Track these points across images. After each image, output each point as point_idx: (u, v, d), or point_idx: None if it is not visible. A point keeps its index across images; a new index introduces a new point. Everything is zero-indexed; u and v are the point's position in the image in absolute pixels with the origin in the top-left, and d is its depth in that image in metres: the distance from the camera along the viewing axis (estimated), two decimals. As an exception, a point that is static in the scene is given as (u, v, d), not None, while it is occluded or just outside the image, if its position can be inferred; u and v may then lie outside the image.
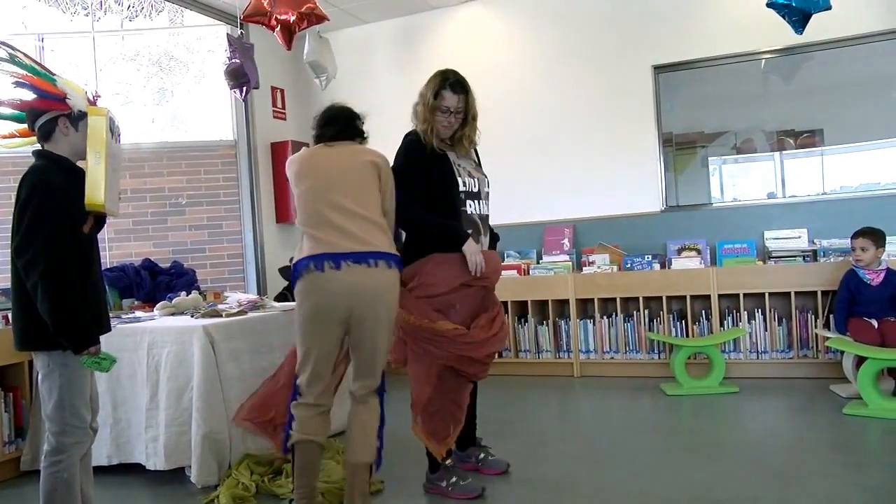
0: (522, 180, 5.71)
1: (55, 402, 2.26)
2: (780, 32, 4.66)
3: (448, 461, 2.99)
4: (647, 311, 5.06)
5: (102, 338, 2.32)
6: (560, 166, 5.68)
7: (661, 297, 5.00)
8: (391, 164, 2.90)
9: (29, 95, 2.32)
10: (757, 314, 4.81)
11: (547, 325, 5.32)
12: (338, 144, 2.72)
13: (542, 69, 5.77)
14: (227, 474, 3.17)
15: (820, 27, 4.43)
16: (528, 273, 5.44)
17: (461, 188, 2.94)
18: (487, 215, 3.08)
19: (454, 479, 2.91)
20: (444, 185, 2.90)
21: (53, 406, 2.27)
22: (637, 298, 5.07)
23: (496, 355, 3.06)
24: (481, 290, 2.93)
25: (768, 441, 3.46)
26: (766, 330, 4.80)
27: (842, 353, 4.21)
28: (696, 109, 5.53)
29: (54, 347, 2.24)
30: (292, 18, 4.69)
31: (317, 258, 2.50)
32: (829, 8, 4.04)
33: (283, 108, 6.38)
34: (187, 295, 4.06)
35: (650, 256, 5.12)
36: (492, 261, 2.94)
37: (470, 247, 2.81)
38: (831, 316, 4.48)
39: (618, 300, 5.12)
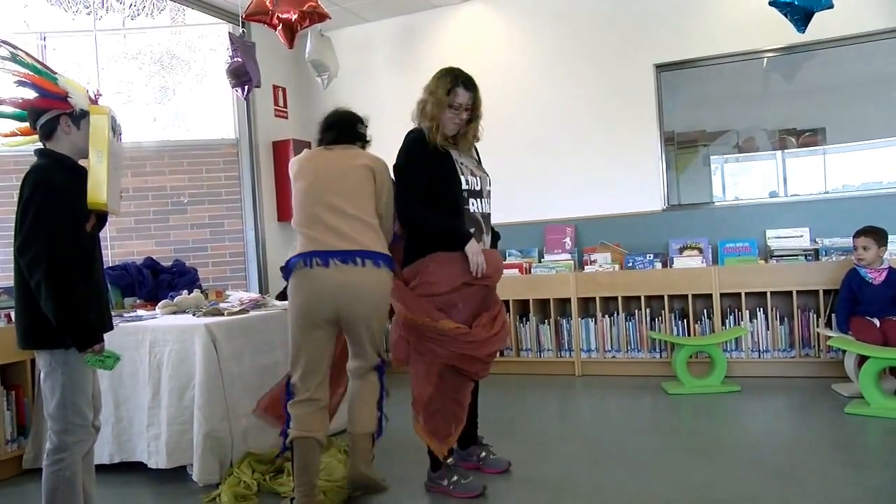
0: (524, 179, 5.71)
1: (57, 400, 2.27)
2: (782, 31, 4.65)
3: (449, 460, 3.00)
4: (648, 310, 5.05)
5: (104, 336, 2.33)
6: (562, 165, 5.68)
7: (662, 296, 5.00)
8: (394, 161, 2.91)
9: (30, 94, 2.32)
10: (759, 313, 4.80)
11: (548, 323, 5.32)
12: (337, 148, 2.82)
13: (543, 68, 5.77)
14: (228, 473, 3.18)
15: (822, 26, 4.42)
16: (530, 272, 5.44)
17: (464, 186, 2.94)
18: (489, 214, 3.08)
19: (455, 478, 2.92)
20: (448, 182, 2.90)
21: (56, 405, 2.27)
22: (639, 297, 5.07)
23: (497, 354, 3.06)
24: (483, 289, 2.93)
25: (769, 440, 3.45)
26: (767, 329, 4.79)
27: (843, 352, 4.21)
28: (697, 108, 5.52)
29: (57, 346, 2.25)
30: (294, 17, 4.70)
31: (307, 255, 2.61)
32: (832, 6, 4.04)
33: (285, 106, 6.38)
34: (189, 293, 4.06)
35: (652, 255, 5.12)
36: (493, 260, 2.94)
37: (472, 247, 2.81)
38: (833, 315, 4.47)
39: (619, 299, 5.12)
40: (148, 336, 3.40)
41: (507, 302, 4.97)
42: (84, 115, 2.32)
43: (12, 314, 3.50)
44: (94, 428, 2.40)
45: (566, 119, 5.68)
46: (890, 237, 4.33)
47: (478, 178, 3.02)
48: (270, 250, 5.97)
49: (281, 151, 6.14)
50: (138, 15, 5.26)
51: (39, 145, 2.36)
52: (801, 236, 4.96)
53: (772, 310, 4.77)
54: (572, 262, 5.42)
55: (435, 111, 2.89)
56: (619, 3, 5.49)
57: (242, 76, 5.16)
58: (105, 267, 2.57)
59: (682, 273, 4.95)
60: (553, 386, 4.95)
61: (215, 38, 6.01)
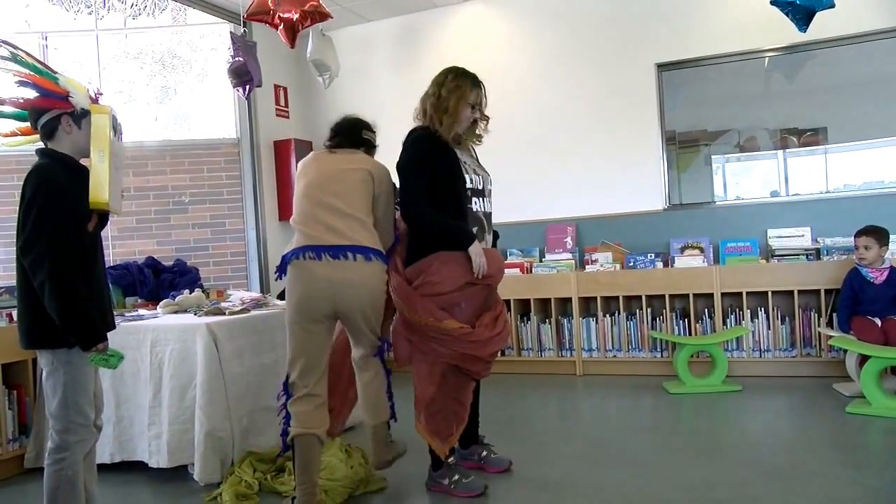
0: (525, 179, 5.71)
1: (59, 399, 2.27)
2: (783, 31, 4.65)
3: (451, 459, 3.00)
4: (649, 310, 5.05)
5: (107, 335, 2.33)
6: (563, 164, 5.68)
7: (663, 296, 4.99)
8: (398, 159, 2.91)
9: (31, 94, 2.32)
10: (760, 313, 4.80)
11: (549, 323, 5.32)
12: (341, 151, 2.89)
13: (545, 67, 5.76)
14: (229, 472, 3.18)
15: (823, 25, 4.42)
16: (531, 271, 5.44)
17: (468, 185, 2.95)
18: (491, 213, 3.09)
19: (457, 477, 2.92)
20: (453, 181, 2.90)
21: (57, 404, 2.27)
22: (640, 297, 5.07)
23: (498, 354, 3.06)
24: (485, 289, 2.93)
25: (770, 440, 3.45)
26: (769, 328, 4.79)
27: (845, 351, 4.20)
28: (699, 108, 5.52)
29: (59, 345, 2.25)
30: (295, 16, 4.70)
31: (300, 249, 2.67)
32: (833, 6, 4.04)
33: (286, 106, 6.38)
34: (190, 293, 4.07)
35: (653, 255, 5.12)
36: (496, 260, 2.94)
37: (475, 248, 2.82)
38: (834, 314, 4.47)
39: (620, 298, 5.12)
40: (149, 335, 3.40)
41: (508, 301, 4.98)
42: (85, 114, 2.33)
43: (13, 313, 3.53)
44: (96, 427, 2.41)
45: (567, 118, 5.67)
46: (891, 237, 4.33)
47: (480, 177, 3.04)
48: (272, 250, 5.97)
49: (282, 151, 6.15)
50: (140, 14, 5.26)
51: (40, 145, 2.36)
52: (803, 236, 4.95)
53: (773, 309, 4.77)
54: (573, 261, 5.42)
55: (458, 107, 2.90)
56: (620, 3, 5.49)
57: (244, 76, 5.16)
58: (106, 266, 2.58)
59: (683, 272, 4.95)
60: (554, 385, 4.95)
61: (217, 37, 6.01)
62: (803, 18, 4.13)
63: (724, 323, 4.89)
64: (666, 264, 5.11)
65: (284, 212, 6.13)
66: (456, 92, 2.90)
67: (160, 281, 4.62)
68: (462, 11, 6.03)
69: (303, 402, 2.69)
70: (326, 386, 2.79)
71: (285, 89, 6.37)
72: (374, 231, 2.78)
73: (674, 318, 5.01)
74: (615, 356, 5.15)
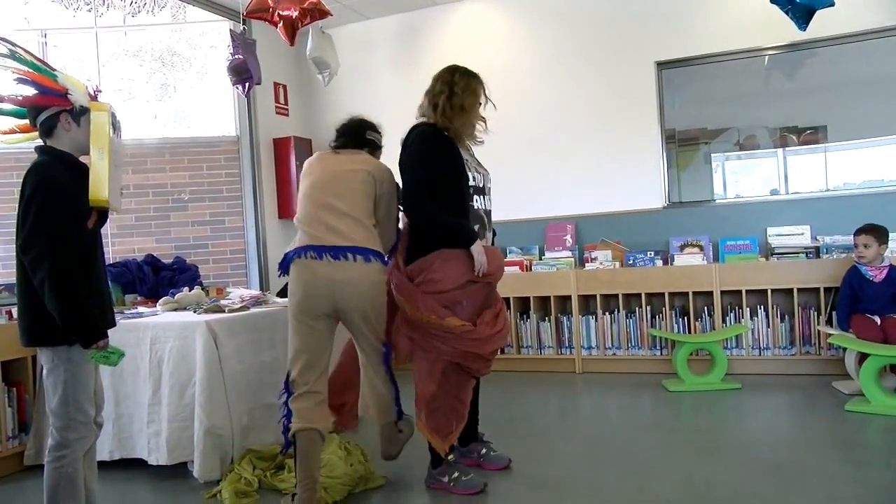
0: (525, 177, 5.71)
1: (59, 397, 2.27)
2: (783, 29, 4.65)
3: (450, 456, 3.00)
4: (649, 308, 5.05)
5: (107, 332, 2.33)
6: (563, 162, 5.68)
7: (663, 294, 5.00)
8: (400, 156, 2.91)
9: (30, 91, 2.32)
10: (759, 311, 4.80)
11: (549, 321, 5.32)
12: (344, 152, 2.94)
13: (544, 65, 5.76)
14: (229, 469, 3.18)
15: (823, 24, 4.42)
16: (531, 269, 5.44)
17: (470, 182, 2.95)
18: (490, 210, 3.10)
19: (456, 475, 2.92)
20: (457, 178, 2.90)
21: (58, 401, 2.27)
22: (639, 295, 5.07)
23: (498, 351, 3.06)
24: (486, 287, 2.94)
25: (770, 438, 3.46)
26: (768, 326, 4.79)
27: (844, 349, 4.21)
28: (698, 106, 5.52)
29: (60, 343, 2.25)
30: (295, 14, 4.70)
31: (302, 249, 2.72)
32: (833, 4, 4.04)
33: (286, 103, 6.37)
34: (190, 290, 4.07)
35: (652, 253, 5.12)
36: (496, 258, 2.95)
37: (477, 247, 2.83)
38: (834, 313, 4.47)
39: (620, 296, 5.12)
40: (149, 333, 3.40)
41: (507, 299, 4.98)
42: (84, 111, 2.33)
43: (13, 311, 3.53)
44: (97, 424, 2.41)
45: (567, 116, 5.67)
46: (891, 235, 4.33)
47: (481, 175, 3.05)
48: (271, 247, 5.97)
49: (282, 149, 6.14)
50: (139, 12, 5.25)
51: (39, 142, 2.36)
52: (802, 234, 4.95)
53: (772, 307, 4.77)
54: (573, 259, 5.42)
55: (474, 106, 2.94)
56: (620, 1, 5.48)
57: (243, 73, 5.16)
58: (106, 264, 2.58)
59: (682, 270, 4.95)
60: (554, 383, 4.95)
61: (216, 35, 6.01)
62: (803, 17, 4.13)
63: (724, 321, 4.89)
64: (665, 262, 5.12)
65: (284, 209, 6.13)
66: (468, 90, 2.93)
67: (159, 278, 4.62)
68: (462, 9, 6.02)
69: (303, 398, 2.72)
70: (327, 383, 2.81)
71: (285, 87, 6.37)
72: (373, 232, 2.82)
73: (673, 315, 5.01)
74: (614, 354, 5.15)
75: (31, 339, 2.31)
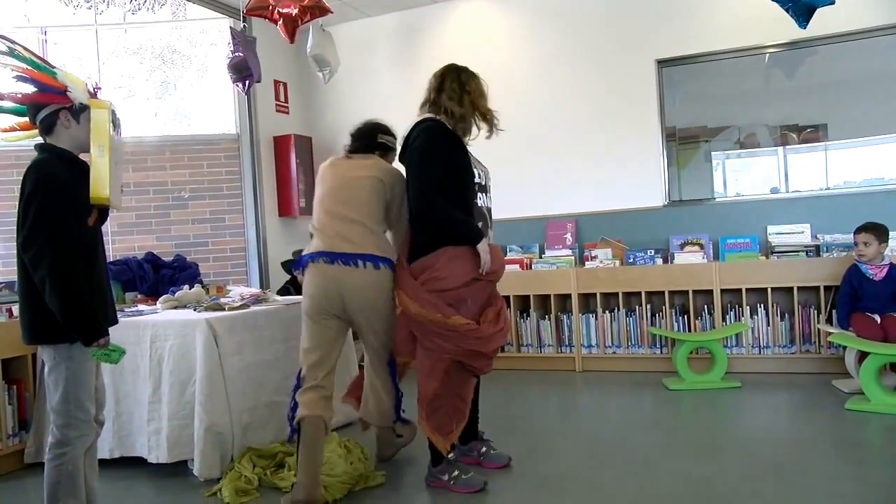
0: (525, 175, 5.71)
1: (61, 395, 2.27)
2: (783, 27, 4.64)
3: (450, 455, 3.00)
4: (649, 306, 5.05)
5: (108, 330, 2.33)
6: (563, 161, 5.67)
7: (663, 292, 5.00)
8: (409, 150, 2.91)
9: (29, 89, 2.32)
10: (759, 309, 4.80)
11: (549, 319, 5.32)
12: (356, 157, 3.02)
13: (545, 63, 5.75)
14: (229, 467, 3.19)
15: (823, 22, 4.42)
16: (531, 267, 5.44)
17: (476, 179, 2.96)
18: (491, 208, 3.10)
19: (456, 473, 2.92)
20: (463, 175, 2.90)
21: (59, 399, 2.28)
22: (639, 293, 5.07)
23: (499, 350, 3.07)
24: (489, 285, 2.95)
25: (770, 436, 3.46)
26: (768, 325, 4.79)
27: (844, 348, 4.21)
28: (699, 104, 5.51)
29: (61, 341, 2.25)
30: (295, 12, 4.70)
31: (317, 254, 2.86)
32: (833, 2, 4.03)
33: (286, 101, 6.37)
34: (190, 288, 4.06)
35: (653, 251, 5.12)
36: (498, 256, 2.95)
37: (483, 245, 2.83)
38: (834, 311, 4.47)
39: (620, 295, 5.12)
40: (149, 331, 3.40)
41: (507, 297, 4.98)
42: (83, 109, 2.32)
43: (13, 309, 3.53)
44: (98, 422, 2.41)
45: (567, 114, 5.67)
46: (891, 233, 4.33)
47: (482, 173, 3.06)
48: (271, 245, 5.97)
49: (282, 146, 6.14)
50: (139, 10, 5.24)
51: (39, 140, 2.36)
52: (802, 232, 4.95)
53: (772, 306, 4.77)
54: (573, 257, 5.42)
55: (488, 106, 2.96)
56: (620, -1, 5.49)
57: (243, 71, 5.15)
58: (107, 262, 2.58)
59: (682, 269, 4.95)
60: (554, 381, 4.95)
61: (216, 32, 6.00)
62: (803, 15, 4.12)
63: (724, 319, 4.89)
64: (665, 261, 5.12)
65: (284, 207, 6.13)
66: (479, 91, 2.96)
67: (160, 276, 4.61)
68: (462, 7, 6.02)
69: (310, 391, 2.83)
70: (334, 381, 2.90)
71: (285, 85, 6.36)
72: (384, 238, 2.94)
73: (673, 314, 5.01)
74: (614, 352, 5.15)
75: (32, 337, 2.31)
